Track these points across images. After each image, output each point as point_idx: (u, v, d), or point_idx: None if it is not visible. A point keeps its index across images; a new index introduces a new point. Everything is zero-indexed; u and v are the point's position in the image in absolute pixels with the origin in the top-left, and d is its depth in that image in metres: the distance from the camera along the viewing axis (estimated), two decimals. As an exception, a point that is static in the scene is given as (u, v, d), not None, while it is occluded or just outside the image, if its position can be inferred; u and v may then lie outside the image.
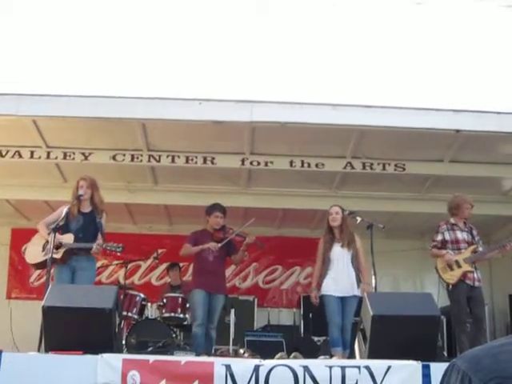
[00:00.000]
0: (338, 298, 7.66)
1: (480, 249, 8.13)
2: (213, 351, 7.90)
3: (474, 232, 8.19)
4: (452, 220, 8.21)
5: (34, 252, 7.57)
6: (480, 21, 9.02)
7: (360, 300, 7.48)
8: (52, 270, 7.17)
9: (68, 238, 7.37)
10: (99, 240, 7.50)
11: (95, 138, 9.16)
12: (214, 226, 8.26)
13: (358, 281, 7.75)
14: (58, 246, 7.24)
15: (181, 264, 10.48)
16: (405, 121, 8.17)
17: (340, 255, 7.80)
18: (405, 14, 9.03)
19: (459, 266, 7.92)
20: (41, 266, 7.54)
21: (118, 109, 8.09)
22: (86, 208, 7.66)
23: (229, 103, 8.03)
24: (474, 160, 9.57)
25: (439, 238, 8.13)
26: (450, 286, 7.94)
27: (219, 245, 8.08)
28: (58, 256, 7.26)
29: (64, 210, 7.44)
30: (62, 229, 7.43)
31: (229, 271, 11.71)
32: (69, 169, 9.90)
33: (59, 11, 8.64)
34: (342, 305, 7.64)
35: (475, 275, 7.94)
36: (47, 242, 7.26)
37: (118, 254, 7.79)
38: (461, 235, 8.11)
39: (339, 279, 7.71)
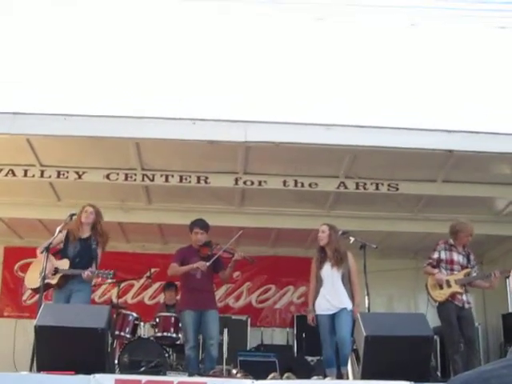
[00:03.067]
0: (330, 316, 7.67)
1: (473, 274, 8.19)
2: (214, 370, 7.75)
3: (472, 257, 8.24)
4: (451, 241, 8.24)
5: (32, 277, 7.68)
6: (473, 42, 9.10)
7: (353, 317, 7.51)
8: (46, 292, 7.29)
9: (64, 264, 7.52)
10: (92, 267, 7.60)
11: (89, 157, 9.15)
12: (197, 242, 8.23)
13: (350, 297, 7.75)
14: (54, 272, 7.42)
15: (177, 283, 10.44)
16: (398, 141, 8.19)
17: (329, 274, 7.81)
18: (399, 36, 9.10)
19: (449, 286, 7.98)
20: (38, 290, 7.59)
21: (112, 128, 8.09)
22: (85, 233, 7.80)
23: (223, 123, 8.05)
24: (467, 180, 9.59)
25: (435, 256, 8.19)
26: (437, 304, 8.00)
27: (207, 264, 7.99)
28: (53, 282, 7.47)
29: (63, 233, 7.62)
30: (61, 254, 7.63)
31: (222, 291, 11.71)
32: (62, 187, 9.90)
33: (53, 33, 8.68)
34: (335, 320, 7.64)
35: (464, 298, 8.01)
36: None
37: (109, 280, 7.86)
38: (456, 257, 8.16)
39: (329, 297, 7.72)
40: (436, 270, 8.11)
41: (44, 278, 7.16)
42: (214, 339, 7.93)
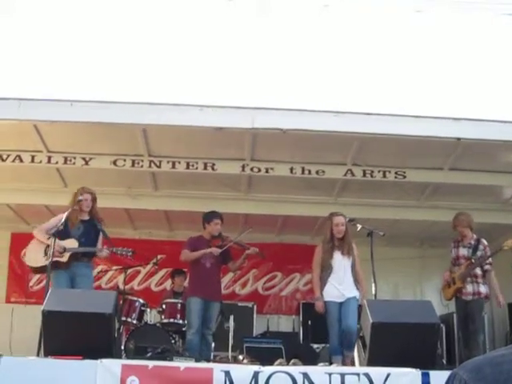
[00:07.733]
0: (338, 304, 7.69)
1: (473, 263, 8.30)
2: (211, 357, 7.91)
3: (481, 246, 8.26)
4: (458, 237, 8.41)
5: (35, 256, 7.62)
6: (480, 28, 9.04)
7: (360, 306, 7.53)
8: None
9: (71, 243, 7.49)
10: (99, 245, 7.63)
11: (96, 143, 9.15)
12: (213, 233, 8.34)
13: (357, 286, 7.79)
14: (62, 251, 7.35)
15: (185, 269, 10.46)
16: (405, 129, 8.17)
17: (341, 262, 7.83)
18: (405, 22, 9.05)
19: (454, 283, 8.14)
20: (42, 269, 7.57)
21: (119, 114, 8.07)
22: (85, 217, 7.83)
23: (230, 109, 8.02)
24: (474, 168, 9.55)
25: (451, 255, 8.51)
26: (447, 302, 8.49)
27: (220, 250, 8.17)
28: (64, 259, 7.40)
29: (63, 215, 7.50)
30: (62, 235, 7.47)
31: (228, 277, 11.72)
32: (69, 173, 9.90)
33: (60, 17, 8.65)
34: (342, 309, 7.65)
35: (469, 289, 8.11)
36: (48, 246, 7.32)
37: (130, 258, 7.88)
38: (462, 252, 8.35)
39: (339, 286, 7.74)
40: (446, 270, 8.51)
41: (55, 261, 7.17)
42: (212, 329, 8.25)
